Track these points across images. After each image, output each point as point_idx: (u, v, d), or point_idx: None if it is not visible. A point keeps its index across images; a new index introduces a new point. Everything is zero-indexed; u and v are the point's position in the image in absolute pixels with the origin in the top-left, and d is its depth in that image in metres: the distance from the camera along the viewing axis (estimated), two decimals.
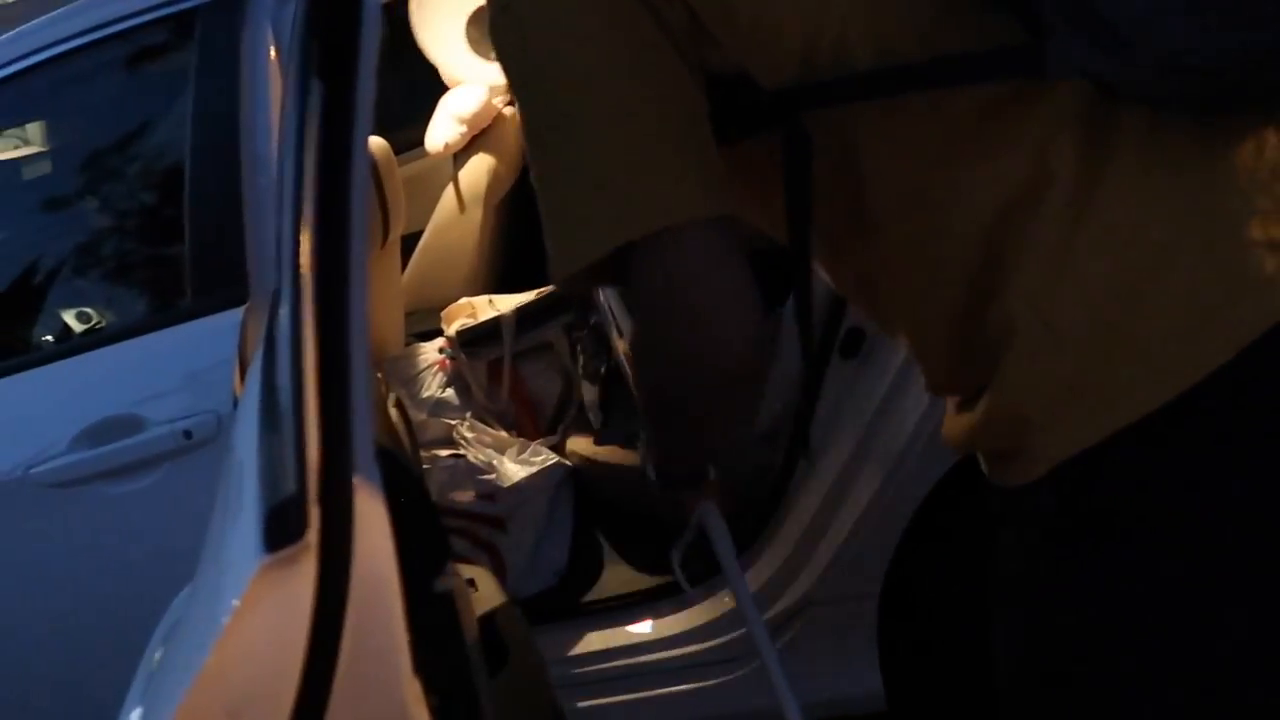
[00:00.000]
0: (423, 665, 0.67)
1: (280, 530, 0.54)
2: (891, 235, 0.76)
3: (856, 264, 0.82)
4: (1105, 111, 0.70)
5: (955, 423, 0.80)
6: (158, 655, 0.91)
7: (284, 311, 0.59)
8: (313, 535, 0.55)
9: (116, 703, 1.75)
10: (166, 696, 0.59)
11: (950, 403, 0.82)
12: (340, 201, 0.64)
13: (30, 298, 1.90)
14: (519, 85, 0.74)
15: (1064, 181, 0.70)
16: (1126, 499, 0.70)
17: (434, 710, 0.70)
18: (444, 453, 1.97)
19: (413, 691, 0.65)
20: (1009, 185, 0.71)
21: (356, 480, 0.59)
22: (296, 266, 0.59)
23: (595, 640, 1.81)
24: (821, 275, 1.93)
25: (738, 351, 0.73)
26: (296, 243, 0.59)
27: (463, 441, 1.98)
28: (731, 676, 1.68)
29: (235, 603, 0.53)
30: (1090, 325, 0.70)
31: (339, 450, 0.57)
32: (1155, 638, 0.71)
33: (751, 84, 0.73)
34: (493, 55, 1.73)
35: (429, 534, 0.67)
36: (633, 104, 0.70)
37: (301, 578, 0.55)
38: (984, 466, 0.80)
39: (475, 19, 2.26)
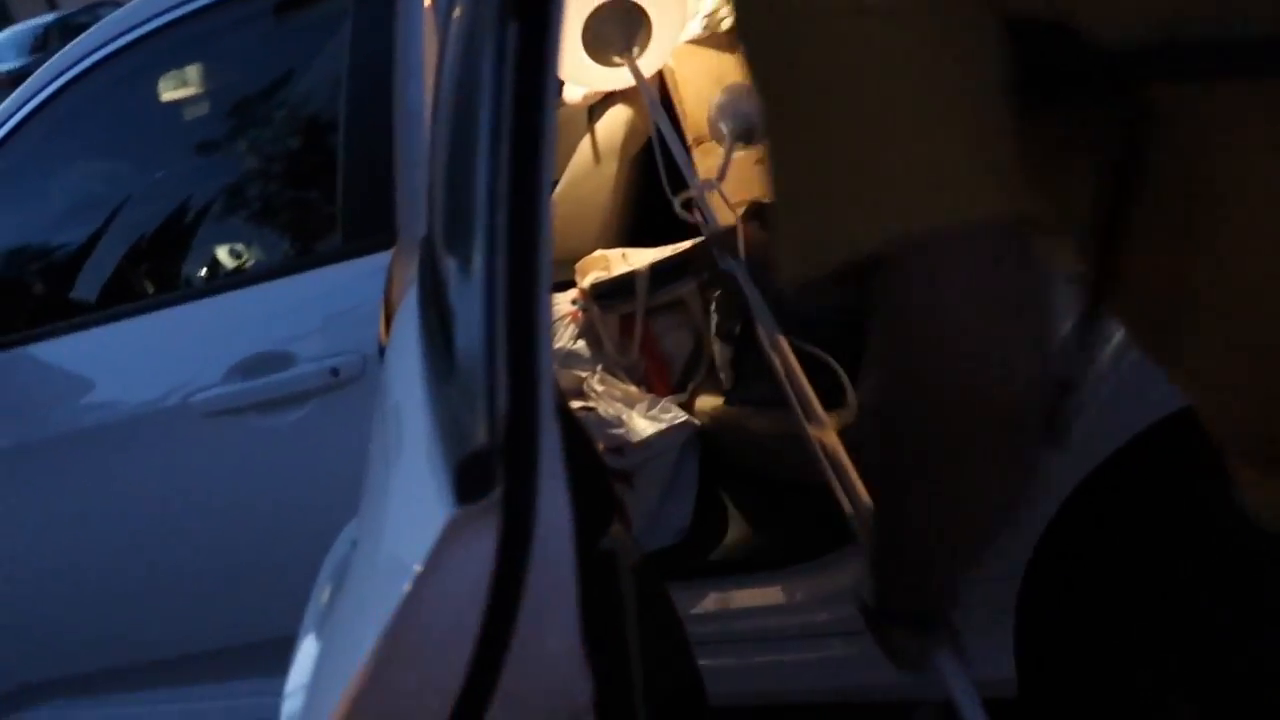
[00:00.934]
0: (588, 622, 0.67)
1: (472, 483, 0.54)
2: (1232, 256, 0.58)
3: (1154, 281, 0.63)
4: None
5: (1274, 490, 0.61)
6: (326, 592, 0.94)
7: (478, 261, 0.58)
8: (499, 490, 0.55)
9: (260, 618, 1.84)
10: (351, 642, 0.60)
11: (1259, 463, 0.64)
12: (534, 148, 0.62)
13: (190, 234, 1.98)
14: (760, 42, 0.59)
15: None
16: None
17: (595, 670, 0.70)
18: (574, 404, 1.98)
19: (579, 650, 0.65)
20: None
21: (541, 436, 0.58)
22: (493, 216, 0.58)
23: (714, 601, 1.81)
24: None
25: (1018, 391, 0.55)
26: (493, 193, 0.58)
27: (593, 394, 1.99)
28: (855, 650, 1.65)
29: (425, 552, 0.53)
30: None
31: (528, 406, 0.56)
32: None
33: (1075, 39, 0.56)
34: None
35: (599, 491, 0.66)
36: (918, 67, 0.53)
37: (486, 531, 0.55)
38: None
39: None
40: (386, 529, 0.67)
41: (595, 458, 0.67)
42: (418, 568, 0.54)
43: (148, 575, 1.88)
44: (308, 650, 0.82)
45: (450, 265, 1.19)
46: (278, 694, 1.90)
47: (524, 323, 0.58)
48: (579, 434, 0.66)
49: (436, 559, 0.54)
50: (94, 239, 2.04)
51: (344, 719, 0.54)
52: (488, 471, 0.54)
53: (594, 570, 0.69)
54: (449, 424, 0.62)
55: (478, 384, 0.57)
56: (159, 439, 1.74)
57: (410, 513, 0.58)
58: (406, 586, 0.54)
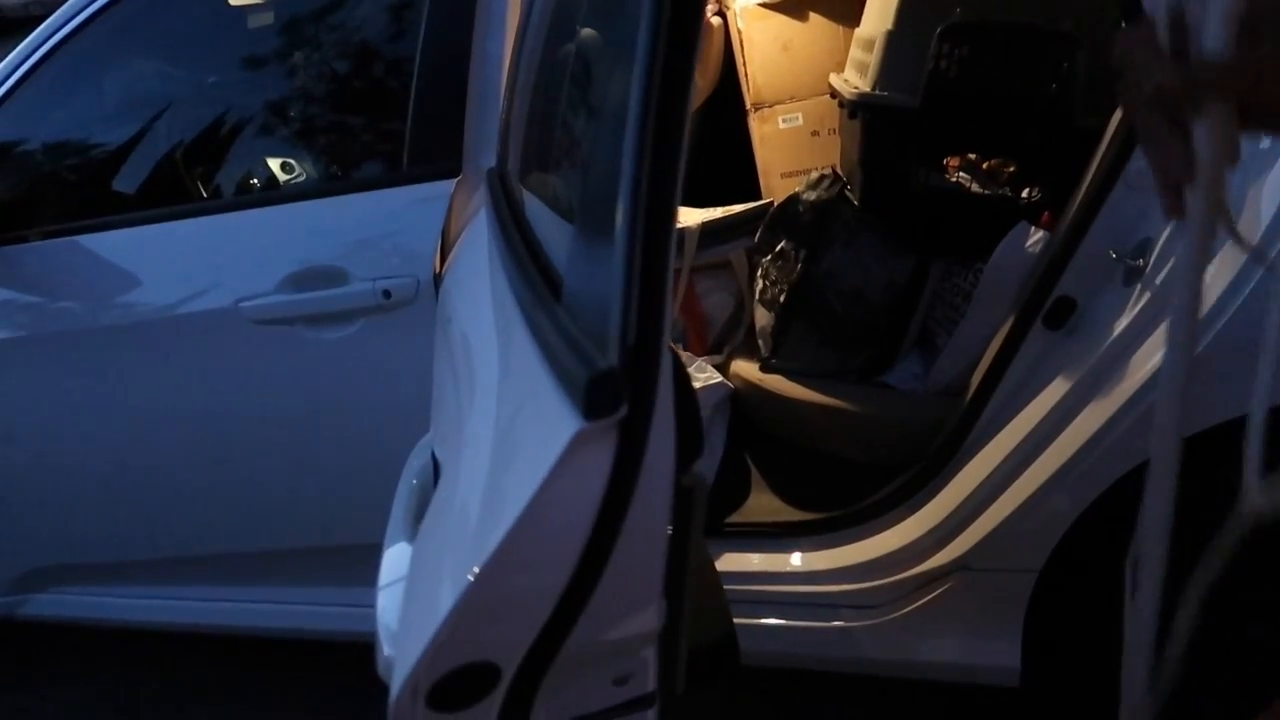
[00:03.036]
0: (669, 553, 0.69)
1: (600, 401, 0.56)
2: None
3: None
4: None
5: None
6: (411, 498, 0.97)
7: (620, 214, 0.59)
8: (623, 410, 0.56)
9: (285, 527, 1.87)
10: (461, 540, 0.63)
11: None
12: (676, 124, 0.62)
13: (251, 143, 1.98)
14: None
15: None
16: None
17: (669, 599, 0.72)
18: None
19: (660, 576, 0.68)
20: None
21: (661, 367, 0.60)
22: (637, 181, 0.59)
23: (731, 562, 1.84)
24: (1030, 232, 1.81)
25: None
26: (639, 161, 0.59)
27: None
28: (866, 623, 1.68)
29: (553, 460, 0.55)
30: None
31: (654, 339, 0.58)
32: None
33: None
34: None
35: (692, 427, 0.68)
36: None
37: (605, 448, 0.56)
38: None
39: None
40: (490, 441, 0.69)
41: (694, 399, 0.69)
42: (543, 476, 0.56)
43: (177, 472, 1.91)
44: (398, 547, 0.85)
45: (533, 200, 1.20)
46: (287, 602, 1.94)
47: (657, 269, 0.59)
48: (684, 375, 0.68)
49: (560, 469, 0.56)
50: (154, 139, 2.05)
51: (461, 612, 0.57)
52: (616, 392, 0.56)
53: (678, 503, 0.72)
54: (565, 347, 0.64)
55: (610, 315, 0.58)
56: (206, 341, 1.76)
57: (525, 427, 0.60)
58: (531, 492, 0.56)
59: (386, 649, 0.74)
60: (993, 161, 1.98)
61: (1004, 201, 1.91)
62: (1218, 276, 1.32)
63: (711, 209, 2.21)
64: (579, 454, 0.56)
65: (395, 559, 0.82)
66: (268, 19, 2.36)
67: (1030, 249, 1.75)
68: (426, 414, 1.22)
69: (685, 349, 2.08)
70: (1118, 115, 1.51)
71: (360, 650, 0.92)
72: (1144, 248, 1.42)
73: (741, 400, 2.00)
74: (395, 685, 0.59)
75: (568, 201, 0.95)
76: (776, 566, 1.79)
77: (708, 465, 1.97)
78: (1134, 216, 1.45)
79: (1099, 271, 1.48)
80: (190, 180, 2.03)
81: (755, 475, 2.00)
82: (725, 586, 1.82)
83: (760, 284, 2.04)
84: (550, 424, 0.58)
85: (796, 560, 1.78)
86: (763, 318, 2.03)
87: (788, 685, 1.89)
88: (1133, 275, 1.43)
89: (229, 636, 2.07)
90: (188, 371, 1.82)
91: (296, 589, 1.93)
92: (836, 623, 1.72)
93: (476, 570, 0.57)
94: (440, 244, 1.65)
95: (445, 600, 0.57)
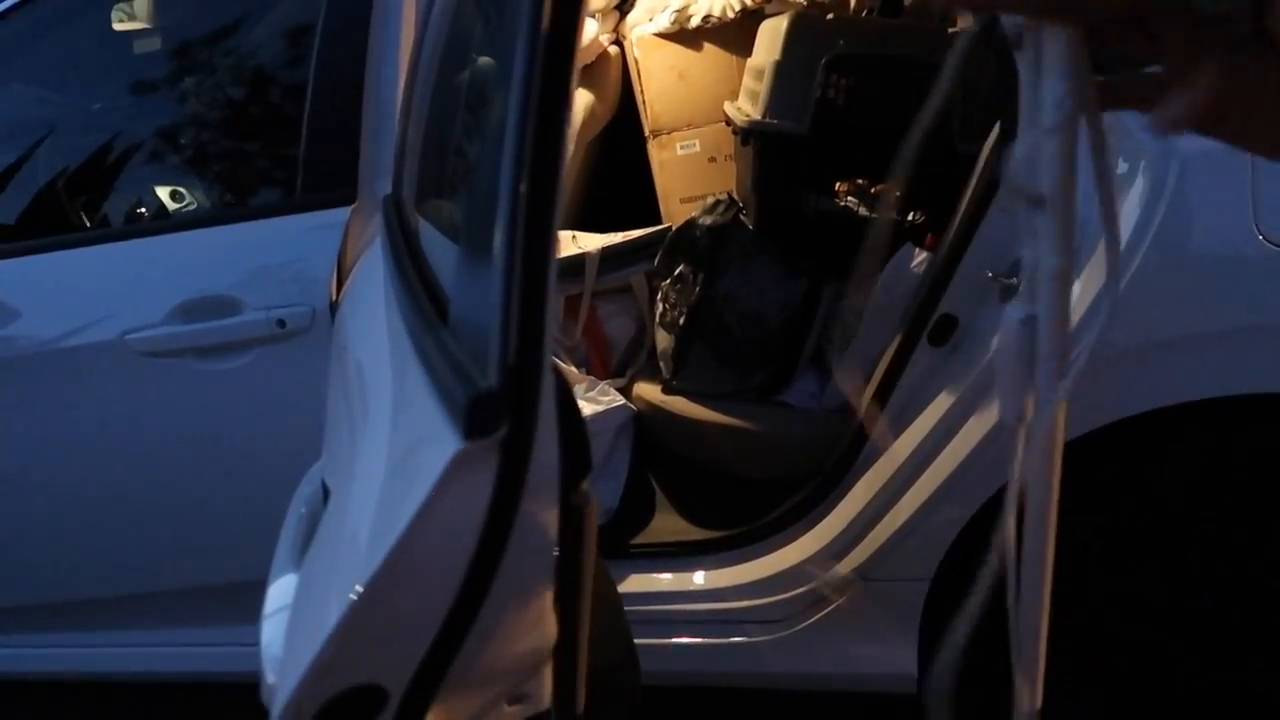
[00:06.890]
0: (559, 571, 0.70)
1: (480, 421, 0.57)
2: None
3: None
4: None
5: None
6: (300, 525, 0.95)
7: (498, 234, 0.60)
8: (504, 430, 0.57)
9: (184, 564, 1.80)
10: (346, 564, 0.62)
11: None
12: (556, 134, 0.64)
13: (140, 171, 1.94)
14: None
15: None
16: None
17: (560, 618, 0.73)
18: None
19: (550, 594, 0.69)
20: None
21: (542, 387, 0.61)
22: (515, 198, 0.60)
23: (637, 583, 1.85)
24: (915, 253, 1.88)
25: None
26: (516, 176, 0.60)
27: None
28: (769, 638, 1.71)
29: (433, 481, 0.56)
30: None
31: (534, 359, 0.59)
32: None
33: None
34: None
35: (579, 447, 0.70)
36: None
37: (487, 468, 0.57)
38: None
39: None
40: (380, 464, 0.69)
41: (579, 418, 0.71)
42: (424, 495, 0.56)
43: (61, 514, 1.84)
44: (284, 575, 0.83)
45: (427, 226, 1.21)
46: (179, 644, 1.88)
47: (537, 288, 0.60)
48: (568, 394, 0.69)
49: (441, 488, 0.56)
50: (34, 167, 1.98)
51: (345, 632, 0.57)
52: (496, 412, 0.57)
53: (566, 522, 0.73)
54: (448, 369, 0.64)
55: (490, 336, 0.59)
56: (90, 375, 1.70)
57: (412, 448, 0.60)
58: (413, 511, 0.56)
59: (271, 676, 0.73)
60: (880, 186, 2.06)
61: (890, 224, 1.98)
62: (1086, 286, 1.40)
63: (612, 234, 2.24)
64: (460, 474, 0.57)
65: (281, 587, 0.81)
66: (154, 44, 2.31)
67: (915, 270, 1.82)
68: (321, 445, 1.21)
69: (588, 372, 2.10)
70: (992, 142, 1.59)
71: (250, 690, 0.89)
72: (1017, 267, 1.50)
73: (644, 422, 2.02)
74: (276, 709, 0.59)
75: (458, 225, 0.96)
76: (681, 585, 1.82)
77: (611, 488, 1.98)
78: (1007, 237, 1.53)
79: (978, 290, 1.55)
80: (73, 209, 1.97)
81: (659, 496, 2.02)
82: (631, 607, 1.83)
83: (660, 307, 2.07)
84: (433, 446, 0.58)
85: (700, 578, 1.81)
86: (663, 340, 2.06)
87: (694, 704, 1.91)
88: (1008, 293, 1.50)
89: (124, 684, 1.99)
90: (71, 407, 1.75)
91: (189, 630, 1.87)
92: (740, 638, 1.75)
93: (359, 589, 0.57)
94: (336, 271, 1.64)
95: (330, 622, 0.57)
